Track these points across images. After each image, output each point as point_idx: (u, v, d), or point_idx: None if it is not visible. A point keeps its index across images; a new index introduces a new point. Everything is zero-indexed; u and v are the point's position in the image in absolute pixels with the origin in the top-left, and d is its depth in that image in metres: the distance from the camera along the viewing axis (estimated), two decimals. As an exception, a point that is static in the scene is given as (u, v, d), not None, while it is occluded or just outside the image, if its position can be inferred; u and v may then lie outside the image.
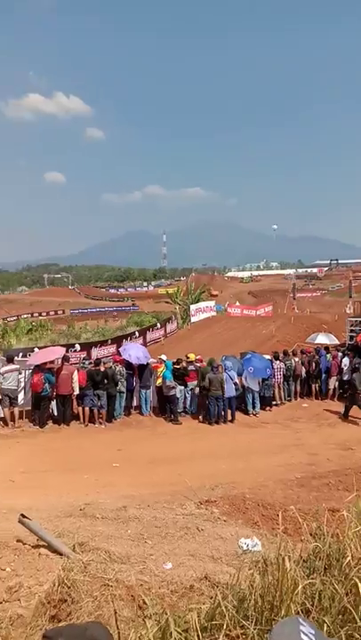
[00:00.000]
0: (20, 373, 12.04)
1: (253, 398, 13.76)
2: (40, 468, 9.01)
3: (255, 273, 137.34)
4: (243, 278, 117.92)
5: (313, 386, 15.63)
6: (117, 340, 23.71)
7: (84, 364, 13.12)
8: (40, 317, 59.30)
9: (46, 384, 11.70)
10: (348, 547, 3.19)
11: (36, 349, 16.14)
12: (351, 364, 14.66)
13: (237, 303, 48.45)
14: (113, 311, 71.20)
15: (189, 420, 13.15)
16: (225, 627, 2.46)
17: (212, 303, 38.37)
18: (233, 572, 3.41)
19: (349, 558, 3.03)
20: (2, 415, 11.65)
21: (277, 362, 14.76)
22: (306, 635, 1.21)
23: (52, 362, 12.22)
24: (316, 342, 17.81)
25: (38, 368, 11.82)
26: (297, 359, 15.52)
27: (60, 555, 3.92)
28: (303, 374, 15.47)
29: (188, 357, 13.96)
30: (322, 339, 18.07)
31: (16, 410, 11.82)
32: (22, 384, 12.11)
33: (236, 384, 13.24)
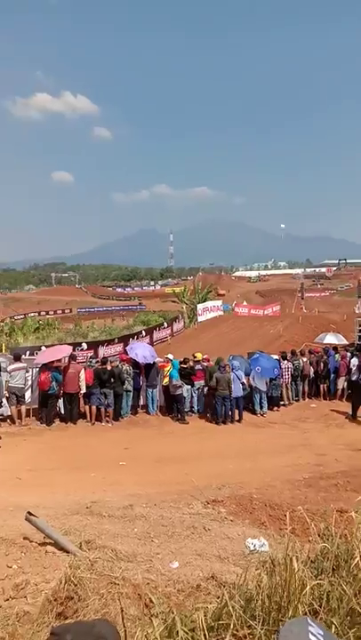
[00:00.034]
0: (28, 372, 12.09)
1: (261, 398, 13.72)
2: (47, 465, 9.03)
3: (263, 272, 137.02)
4: (250, 278, 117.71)
5: (321, 386, 15.56)
6: (124, 339, 23.75)
7: (90, 362, 13.15)
8: (47, 316, 59.53)
9: (53, 382, 11.73)
10: (356, 548, 3.16)
11: (43, 348, 16.20)
12: (360, 364, 14.57)
13: (245, 303, 48.39)
14: (120, 310, 71.34)
15: (196, 420, 13.14)
16: (232, 626, 2.44)
17: (219, 302, 38.33)
18: (240, 571, 3.39)
19: (358, 559, 3.00)
20: (9, 413, 11.69)
21: (285, 362, 14.71)
22: (314, 635, 1.20)
23: (59, 360, 12.25)
24: (324, 342, 17.74)
25: (45, 366, 11.85)
26: (305, 359, 15.46)
27: (67, 552, 3.92)
28: (311, 374, 15.41)
29: (195, 357, 13.95)
30: (330, 339, 18.00)
31: (23, 408, 11.88)
32: (29, 382, 12.16)
33: (243, 384, 13.21)
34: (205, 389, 13.45)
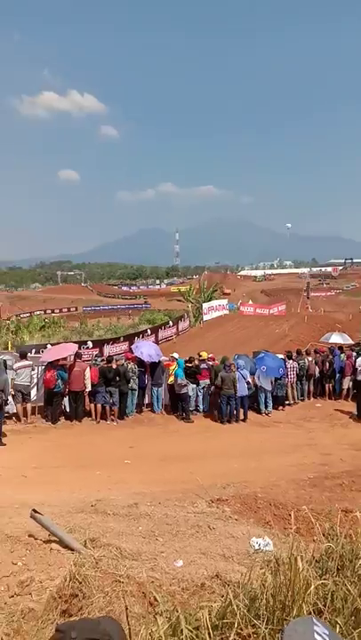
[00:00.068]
0: (33, 369, 12.13)
1: (266, 397, 13.70)
2: (52, 463, 9.06)
3: (269, 271, 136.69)
4: (256, 277, 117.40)
5: (326, 386, 15.51)
6: (129, 338, 23.79)
7: (96, 360, 13.19)
8: (53, 314, 59.65)
9: (59, 380, 11.77)
10: (361, 548, 3.16)
11: (48, 346, 16.25)
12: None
13: (250, 302, 48.32)
14: (127, 309, 71.38)
15: (201, 419, 13.14)
16: (236, 625, 2.44)
17: (224, 301, 38.32)
18: (244, 570, 3.38)
19: (363, 559, 3.00)
20: (15, 411, 11.74)
21: (291, 361, 14.68)
22: (320, 635, 1.19)
23: (64, 358, 12.29)
24: (330, 342, 17.69)
25: (51, 364, 11.89)
26: (310, 359, 15.42)
27: (72, 550, 3.93)
28: (317, 374, 15.37)
29: (200, 355, 13.95)
30: (336, 338, 17.95)
31: (29, 405, 11.91)
32: (35, 380, 12.20)
33: (248, 383, 13.20)
34: (211, 388, 13.45)
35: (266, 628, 2.44)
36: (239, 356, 14.32)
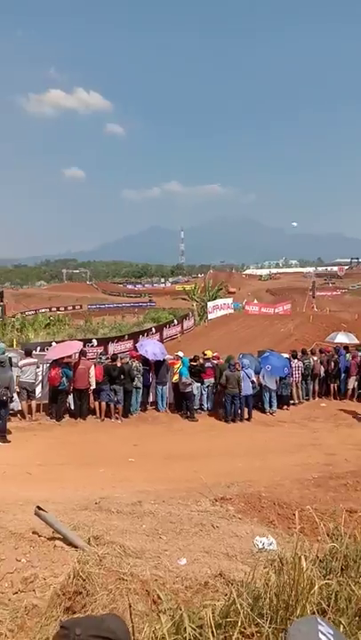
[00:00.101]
0: (38, 367, 12.16)
1: (271, 397, 13.67)
2: (57, 461, 9.09)
3: (274, 270, 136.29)
4: (261, 276, 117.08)
5: (331, 385, 15.46)
6: (134, 336, 23.79)
7: (100, 358, 13.20)
8: (58, 312, 59.76)
9: (64, 378, 11.79)
10: (365, 548, 3.15)
11: (53, 343, 16.27)
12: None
13: (255, 301, 48.24)
14: (132, 307, 71.37)
15: (205, 418, 13.14)
16: (240, 624, 2.44)
17: (229, 300, 38.26)
18: (248, 569, 3.38)
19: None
20: (19, 408, 11.77)
21: (296, 361, 14.64)
22: (324, 634, 1.19)
23: (69, 356, 12.31)
24: (335, 341, 17.64)
25: (56, 362, 11.92)
26: (316, 358, 15.37)
27: (75, 547, 3.94)
28: (322, 373, 15.32)
29: (204, 354, 13.94)
30: (341, 338, 17.91)
31: (33, 403, 11.94)
32: (40, 377, 12.23)
33: (253, 382, 13.17)
34: (215, 387, 13.44)
35: (269, 628, 2.43)
36: (244, 355, 14.30)
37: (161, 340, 23.61)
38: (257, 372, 13.56)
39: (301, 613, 2.53)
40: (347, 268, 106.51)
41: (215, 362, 13.82)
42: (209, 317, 33.20)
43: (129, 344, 21.77)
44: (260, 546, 4.38)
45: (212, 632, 2.38)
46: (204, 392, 13.47)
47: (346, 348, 16.22)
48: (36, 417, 11.89)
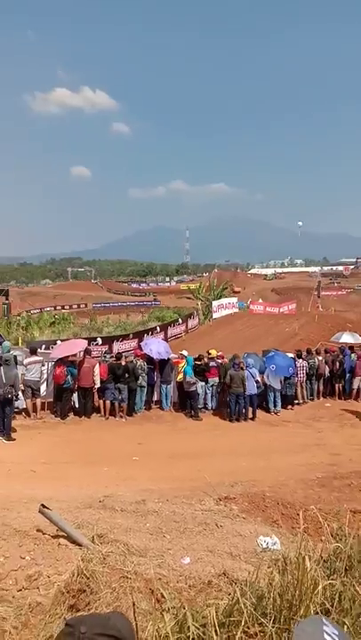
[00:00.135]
0: (43, 365, 12.20)
1: (275, 396, 13.65)
2: (61, 459, 9.11)
3: (279, 270, 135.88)
4: (266, 275, 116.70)
5: (336, 385, 15.42)
6: (139, 335, 23.80)
7: (105, 357, 13.22)
8: (63, 310, 59.83)
9: (68, 376, 11.83)
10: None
11: (58, 342, 16.31)
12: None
13: (260, 300, 48.12)
14: (138, 306, 71.34)
15: (210, 417, 13.14)
16: (243, 623, 2.44)
17: (234, 300, 38.18)
18: (251, 569, 3.38)
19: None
20: (24, 406, 11.82)
21: (300, 360, 14.61)
22: (329, 635, 1.18)
23: (74, 355, 12.34)
24: (340, 341, 17.57)
25: (61, 360, 11.95)
26: (320, 358, 15.33)
27: (79, 545, 3.95)
28: (327, 373, 15.28)
29: (209, 353, 13.93)
30: (346, 338, 17.82)
31: (38, 401, 11.99)
32: (45, 376, 12.27)
33: (257, 382, 13.16)
34: (220, 386, 13.43)
35: (273, 627, 2.44)
36: (249, 354, 14.28)
37: (165, 339, 23.61)
38: (261, 372, 13.55)
39: (305, 613, 2.53)
40: (352, 267, 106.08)
41: (220, 361, 13.81)
42: (214, 316, 33.16)
43: (134, 343, 21.78)
44: (264, 545, 4.38)
45: (216, 631, 2.38)
46: (208, 391, 13.47)
47: (351, 348, 16.17)
48: (41, 415, 11.94)
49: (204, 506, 5.75)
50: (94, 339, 20.51)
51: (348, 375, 15.29)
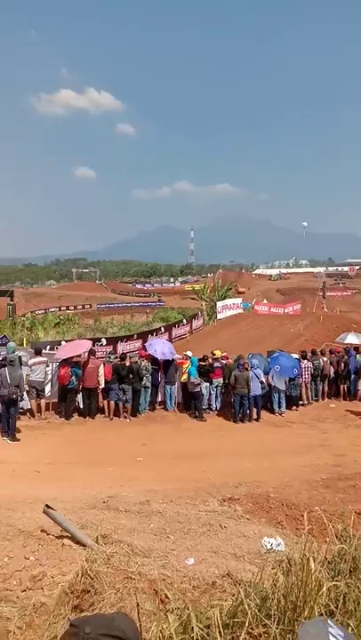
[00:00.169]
0: (48, 366, 12.22)
1: (280, 397, 13.62)
2: (65, 459, 9.12)
3: (284, 270, 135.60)
4: (271, 276, 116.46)
5: (341, 386, 15.39)
6: (143, 336, 23.83)
7: (109, 358, 13.23)
8: (67, 311, 59.92)
9: (73, 377, 11.84)
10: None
11: (63, 342, 16.35)
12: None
13: (265, 301, 48.06)
14: (142, 306, 71.36)
15: (214, 418, 13.13)
16: (247, 624, 2.43)
17: (238, 300, 38.17)
18: (256, 570, 3.37)
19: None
20: (29, 407, 11.84)
21: (305, 361, 14.58)
22: (334, 636, 1.18)
23: (78, 355, 12.35)
24: (345, 342, 17.52)
25: (65, 361, 11.96)
26: (325, 359, 15.29)
27: (83, 546, 3.96)
28: (331, 374, 15.25)
29: (213, 354, 13.92)
30: (352, 339, 17.76)
31: (43, 401, 12.01)
32: (49, 376, 12.29)
33: (262, 382, 13.14)
34: (224, 387, 13.42)
35: (277, 628, 2.42)
36: (253, 355, 14.26)
37: (170, 340, 23.62)
38: (266, 373, 13.52)
39: (309, 615, 2.52)
40: (358, 268, 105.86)
41: (224, 362, 13.80)
42: (218, 317, 33.16)
43: (138, 343, 21.81)
44: (268, 546, 4.37)
45: (220, 632, 2.38)
46: (212, 392, 13.46)
47: (356, 348, 16.11)
48: (46, 416, 11.96)
49: (208, 507, 5.75)
50: (99, 339, 20.55)
51: (353, 376, 15.25)
